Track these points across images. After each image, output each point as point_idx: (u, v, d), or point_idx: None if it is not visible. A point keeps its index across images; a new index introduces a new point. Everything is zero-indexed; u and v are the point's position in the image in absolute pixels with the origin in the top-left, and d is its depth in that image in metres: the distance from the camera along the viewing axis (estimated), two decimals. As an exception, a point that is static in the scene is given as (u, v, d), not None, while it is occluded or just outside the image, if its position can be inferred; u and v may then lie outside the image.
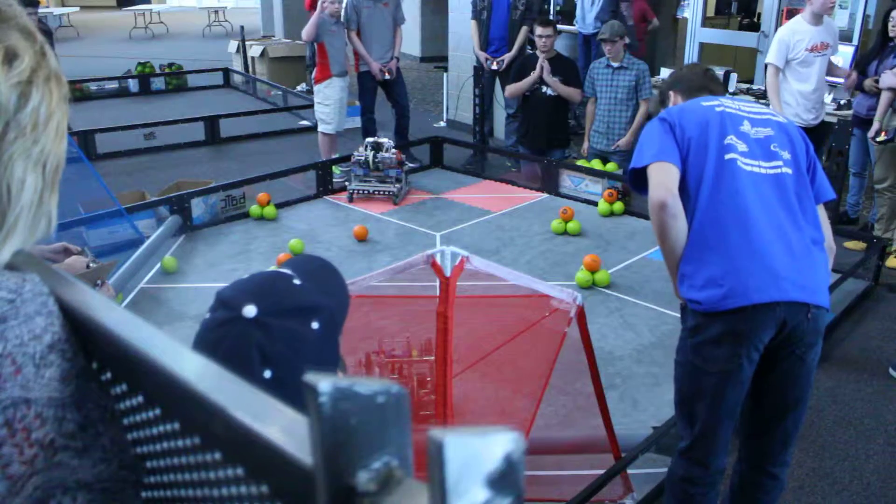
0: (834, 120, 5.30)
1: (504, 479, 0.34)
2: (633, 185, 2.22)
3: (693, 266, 2.01)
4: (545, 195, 6.07)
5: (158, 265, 4.63)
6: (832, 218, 2.70)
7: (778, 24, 6.13)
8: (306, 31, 6.06)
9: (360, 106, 6.83)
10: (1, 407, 0.59)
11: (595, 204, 5.70)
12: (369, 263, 4.67)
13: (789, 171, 2.04)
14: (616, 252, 4.92)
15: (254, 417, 0.46)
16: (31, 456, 0.60)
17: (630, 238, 5.19)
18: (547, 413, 2.85)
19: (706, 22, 7.39)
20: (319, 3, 6.03)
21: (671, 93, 2.44)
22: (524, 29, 6.59)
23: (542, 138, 6.24)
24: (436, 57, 8.56)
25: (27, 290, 0.63)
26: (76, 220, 4.67)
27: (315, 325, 0.94)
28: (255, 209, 5.51)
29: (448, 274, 2.12)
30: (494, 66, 6.75)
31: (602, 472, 2.46)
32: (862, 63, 5.07)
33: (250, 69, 10.83)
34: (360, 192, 5.86)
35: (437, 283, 2.15)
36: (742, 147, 2.03)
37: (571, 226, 5.22)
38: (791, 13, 6.05)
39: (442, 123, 8.62)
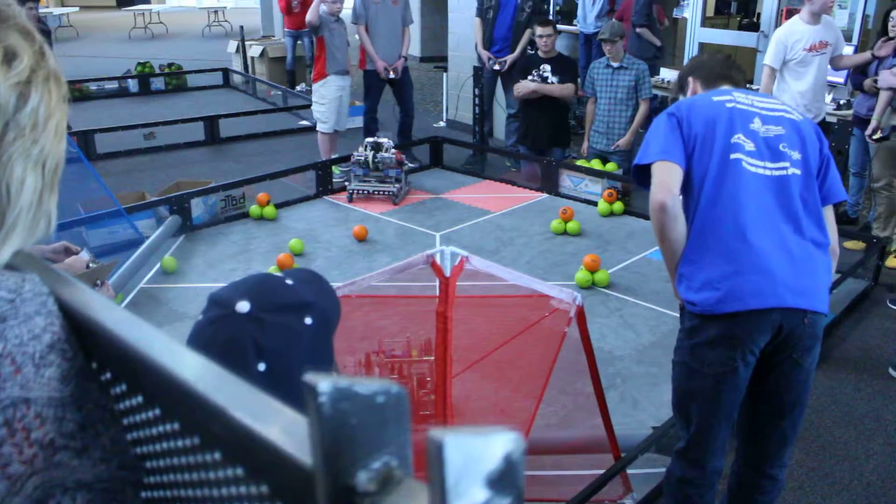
0: (834, 120, 5.30)
1: (504, 479, 0.34)
2: (637, 179, 2.18)
3: (691, 267, 2.00)
4: (545, 195, 6.07)
5: (158, 265, 4.63)
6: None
7: (777, 23, 6.13)
8: (310, 14, 6.00)
9: (364, 104, 6.81)
10: (0, 407, 0.59)
11: (595, 204, 5.70)
12: (369, 263, 4.67)
13: (797, 171, 2.00)
14: (616, 252, 4.93)
15: (254, 417, 0.46)
16: (30, 456, 0.60)
17: (630, 238, 5.19)
18: (547, 413, 2.85)
19: (706, 22, 7.39)
20: None
21: (690, 79, 2.37)
22: (528, 31, 6.58)
23: (544, 138, 6.25)
24: (436, 57, 8.56)
25: (27, 290, 0.63)
26: (76, 220, 4.67)
27: (308, 320, 0.94)
28: (254, 209, 5.51)
29: (448, 274, 2.12)
30: (497, 67, 6.74)
31: (602, 472, 2.46)
32: (862, 63, 5.07)
33: (250, 69, 10.84)
34: (360, 192, 5.86)
35: (437, 283, 2.15)
36: (749, 146, 2.00)
37: (571, 226, 5.22)
38: (791, 13, 6.05)
39: (442, 123, 8.63)
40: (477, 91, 6.84)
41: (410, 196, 6.03)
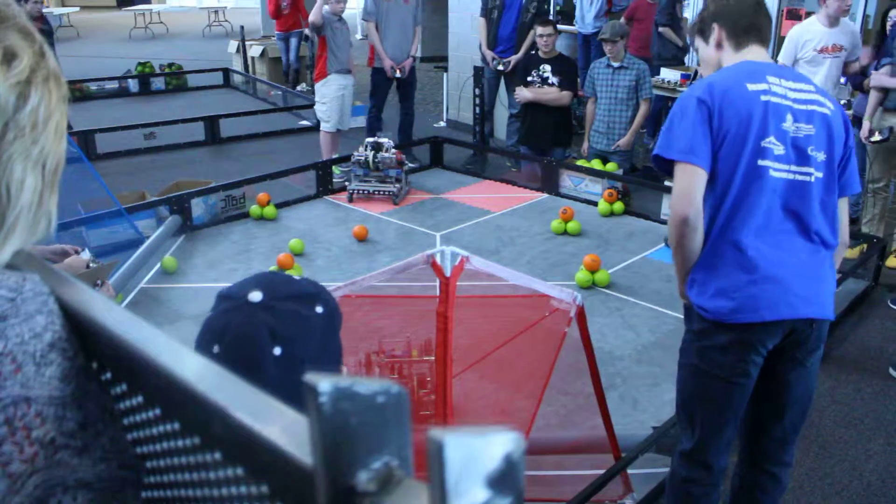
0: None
1: (504, 479, 0.34)
2: (657, 166, 2.04)
3: (705, 273, 1.96)
4: (545, 195, 6.07)
5: (158, 265, 4.63)
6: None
7: (777, 23, 6.13)
8: (313, 15, 6.01)
9: (369, 102, 6.80)
10: (1, 405, 0.59)
11: (595, 204, 5.70)
12: (369, 263, 4.67)
13: (819, 175, 1.93)
14: (616, 252, 4.92)
15: (254, 417, 0.46)
16: (31, 454, 0.60)
17: (630, 238, 5.19)
18: (547, 413, 2.85)
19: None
20: None
21: (715, 25, 2.09)
22: (532, 31, 6.58)
23: (546, 138, 6.25)
24: (436, 57, 8.54)
25: (27, 289, 0.63)
26: (76, 220, 4.67)
27: (319, 308, 0.97)
28: (255, 209, 5.51)
29: (448, 274, 2.12)
30: (501, 67, 6.74)
31: (602, 472, 2.46)
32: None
33: (250, 69, 10.84)
34: (360, 192, 5.86)
35: (437, 283, 2.15)
36: (778, 150, 1.90)
37: (571, 226, 5.22)
38: (791, 13, 6.06)
39: (442, 123, 8.63)
40: (477, 91, 6.84)
41: (411, 196, 6.03)
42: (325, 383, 0.37)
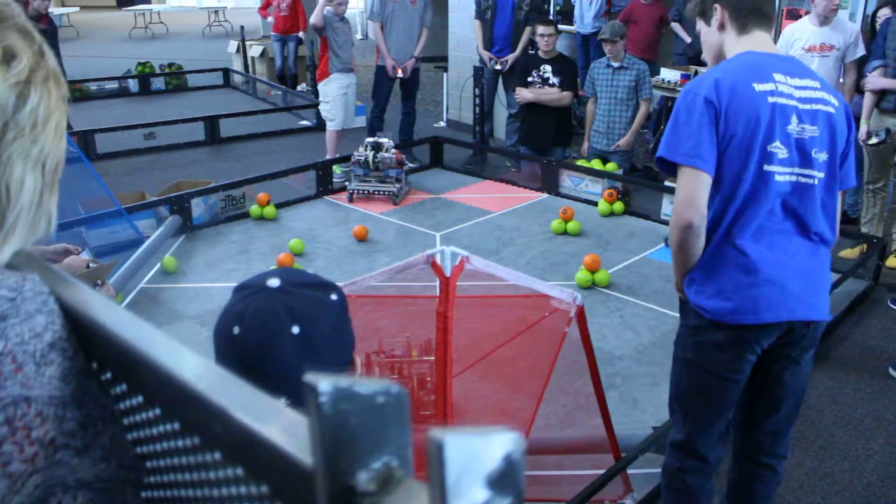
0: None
1: (504, 479, 0.34)
2: (660, 166, 2.01)
3: (705, 274, 1.96)
4: (545, 195, 6.07)
5: (158, 265, 4.63)
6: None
7: (778, 23, 6.13)
8: (314, 17, 6.04)
9: (372, 101, 6.81)
10: (1, 405, 0.59)
11: (595, 204, 5.70)
12: (369, 263, 4.67)
13: (821, 175, 1.92)
14: (616, 252, 4.92)
15: (254, 417, 0.46)
16: (31, 454, 0.60)
17: (630, 238, 5.19)
18: (547, 413, 2.85)
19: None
20: None
21: (717, 6, 2.01)
22: (528, 29, 6.59)
23: (547, 138, 6.25)
24: (436, 57, 8.54)
25: (27, 289, 0.63)
26: (76, 220, 4.67)
27: (334, 296, 1.00)
28: (255, 209, 5.51)
29: (448, 274, 2.12)
30: (498, 67, 6.74)
31: (602, 472, 2.46)
32: (861, 63, 5.06)
33: (250, 69, 10.84)
34: (360, 192, 5.86)
35: (437, 283, 2.15)
36: (782, 153, 1.88)
37: (571, 226, 5.22)
38: (791, 13, 6.06)
39: (442, 123, 8.63)
40: (477, 91, 6.84)
41: (410, 196, 6.03)
42: (324, 383, 0.37)
